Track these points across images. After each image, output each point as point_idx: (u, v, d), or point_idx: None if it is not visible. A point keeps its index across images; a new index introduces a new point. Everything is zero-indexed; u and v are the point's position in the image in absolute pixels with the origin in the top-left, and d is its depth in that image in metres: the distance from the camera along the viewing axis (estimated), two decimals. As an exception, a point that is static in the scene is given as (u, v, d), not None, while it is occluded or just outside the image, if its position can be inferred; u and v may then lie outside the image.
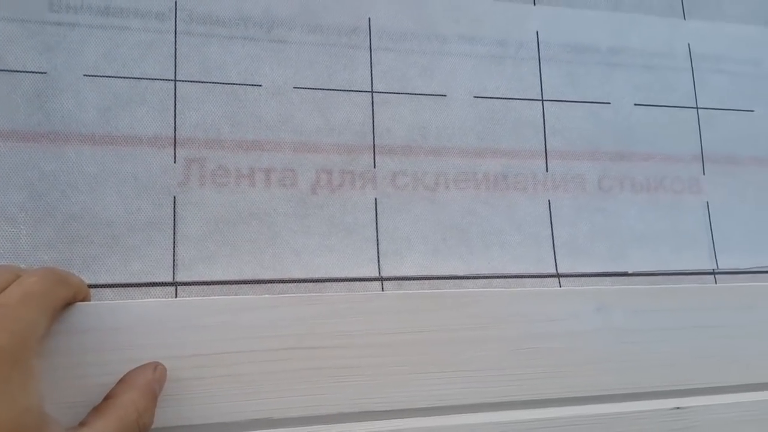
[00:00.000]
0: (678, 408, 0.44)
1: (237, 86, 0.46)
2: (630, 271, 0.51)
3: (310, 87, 0.47)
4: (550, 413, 0.42)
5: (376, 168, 0.48)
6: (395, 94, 0.49)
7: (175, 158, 0.44)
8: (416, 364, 0.41)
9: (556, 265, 0.50)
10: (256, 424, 0.38)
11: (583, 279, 0.50)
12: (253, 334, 0.38)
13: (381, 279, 0.46)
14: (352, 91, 0.48)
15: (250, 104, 0.46)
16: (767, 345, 0.46)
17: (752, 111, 0.57)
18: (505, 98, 0.51)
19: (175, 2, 0.46)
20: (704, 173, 0.54)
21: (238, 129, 0.45)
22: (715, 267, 0.53)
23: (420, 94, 0.49)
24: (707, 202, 0.54)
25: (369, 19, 0.49)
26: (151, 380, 0.35)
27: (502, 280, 0.48)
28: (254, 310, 0.39)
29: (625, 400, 0.44)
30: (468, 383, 0.41)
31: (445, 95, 0.50)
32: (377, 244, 0.46)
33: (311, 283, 0.45)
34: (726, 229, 0.54)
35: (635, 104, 0.54)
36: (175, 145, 0.44)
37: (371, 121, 0.48)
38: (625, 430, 0.43)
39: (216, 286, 0.43)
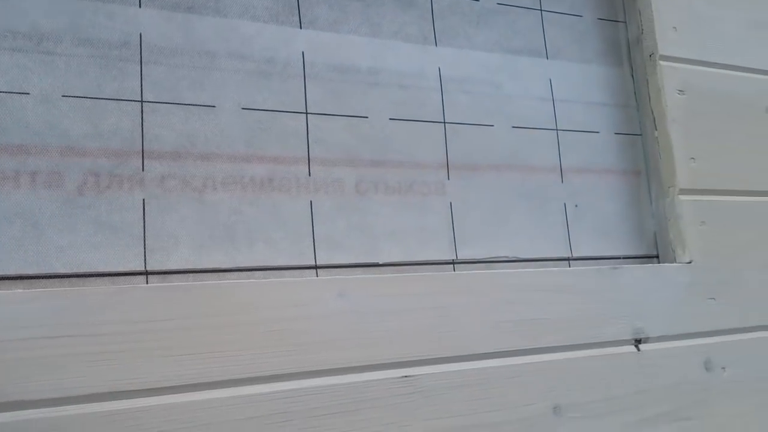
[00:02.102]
0: (406, 377, 0.52)
1: (4, 94, 0.48)
2: (381, 262, 0.59)
3: (79, 95, 0.51)
4: (294, 385, 0.49)
5: (145, 171, 0.52)
6: (165, 104, 0.54)
7: (-68, 161, 0.46)
8: (170, 348, 0.46)
9: (315, 257, 0.57)
10: (5, 406, 0.41)
11: (338, 270, 0.57)
12: (6, 325, 0.42)
13: (146, 273, 0.50)
14: (121, 100, 0.52)
15: (17, 111, 0.49)
16: (479, 322, 0.56)
17: (492, 126, 0.67)
18: (272, 110, 0.58)
19: (-65, 11, 0.47)
20: (449, 178, 0.64)
21: (3, 134, 0.48)
22: (455, 258, 0.62)
23: (189, 105, 0.54)
24: (450, 203, 0.63)
25: (140, 34, 0.54)
26: None
27: (263, 272, 0.54)
28: (7, 303, 0.42)
29: (360, 371, 0.51)
30: (220, 363, 0.47)
31: (214, 106, 0.55)
32: (144, 241, 0.51)
33: (75, 278, 0.48)
34: (466, 226, 0.63)
35: (390, 118, 0.62)
36: (-67, 148, 0.46)
37: (140, 128, 0.52)
38: (361, 397, 0.51)
39: (-24, 282, 0.45)
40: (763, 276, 0.71)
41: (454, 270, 0.62)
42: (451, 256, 0.62)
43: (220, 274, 0.53)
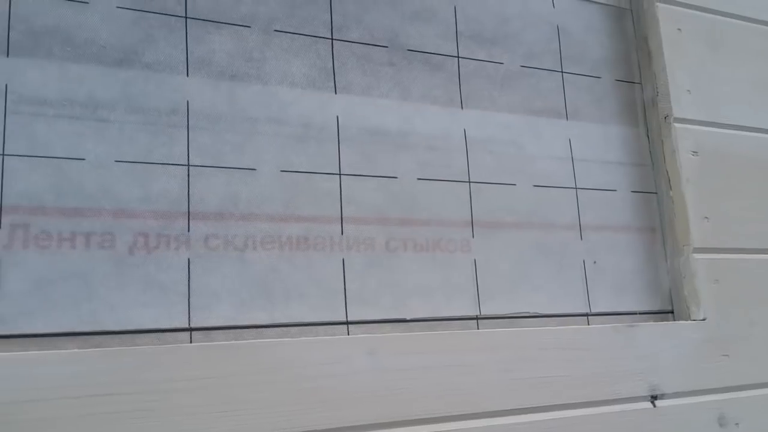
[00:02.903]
0: (433, 432, 0.55)
1: (61, 159, 0.52)
2: (408, 318, 0.62)
3: (131, 161, 0.54)
4: (327, 440, 0.52)
5: (190, 232, 0.55)
6: (209, 168, 0.57)
7: (0, 224, 0.49)
8: (210, 405, 0.48)
9: (346, 313, 0.59)
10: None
11: (368, 325, 0.60)
12: (61, 384, 0.45)
13: (190, 330, 0.53)
14: (169, 164, 0.56)
15: (74, 176, 0.52)
16: (500, 379, 0.58)
17: (514, 185, 0.70)
18: (308, 172, 0.61)
19: (6, 84, 0.51)
20: (473, 236, 0.67)
21: (61, 198, 0.51)
22: (479, 313, 0.65)
23: (232, 168, 0.58)
24: (474, 260, 0.66)
25: (187, 102, 0.57)
26: None
27: (298, 328, 0.57)
28: (61, 364, 0.45)
29: (387, 427, 0.54)
30: (255, 418, 0.50)
31: (255, 169, 0.59)
32: (188, 299, 0.54)
33: (125, 335, 0.51)
34: (489, 282, 0.66)
35: (418, 178, 0.65)
36: (0, 211, 0.49)
37: (186, 191, 0.56)
38: (390, 451, 0.53)
39: (35, 338, 0.49)
40: (775, 334, 0.73)
41: (477, 325, 0.64)
42: (475, 312, 0.65)
43: (259, 330, 0.56)
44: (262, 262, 0.57)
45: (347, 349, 0.54)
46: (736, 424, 0.68)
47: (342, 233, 0.61)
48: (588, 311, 0.70)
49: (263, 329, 0.56)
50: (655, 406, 0.64)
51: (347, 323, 0.59)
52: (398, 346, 0.56)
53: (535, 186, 0.71)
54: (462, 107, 0.70)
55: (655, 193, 0.77)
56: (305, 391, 0.52)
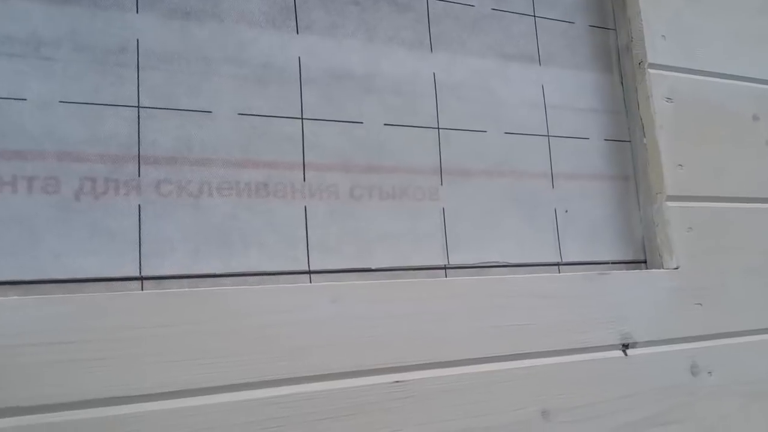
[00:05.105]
0: (398, 381, 0.53)
1: (1, 100, 0.49)
2: (373, 267, 0.59)
3: (77, 101, 0.51)
4: (287, 390, 0.50)
5: (141, 177, 0.52)
6: (161, 110, 0.54)
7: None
8: (164, 354, 0.46)
9: (308, 263, 0.57)
10: (4, 412, 0.41)
11: (331, 275, 0.58)
12: (4, 332, 0.42)
13: (141, 279, 0.51)
14: (118, 106, 0.52)
15: (15, 117, 0.49)
16: (469, 328, 0.57)
17: (484, 132, 0.68)
18: (268, 116, 0.58)
19: (-68, 16, 0.47)
20: (442, 184, 0.64)
21: (0, 140, 0.48)
22: (447, 263, 0.63)
23: (186, 110, 0.55)
24: (443, 208, 0.64)
25: (137, 40, 0.54)
26: None
27: (257, 277, 0.55)
28: (2, 310, 0.42)
29: (352, 377, 0.52)
30: (214, 368, 0.48)
31: (210, 112, 0.56)
32: (139, 247, 0.51)
33: (71, 284, 0.48)
34: (458, 231, 0.64)
35: (385, 124, 0.63)
36: (-70, 153, 0.46)
37: (137, 133, 0.53)
38: (354, 402, 0.51)
39: (-27, 287, 0.46)
40: (749, 281, 0.72)
41: (446, 275, 0.62)
42: (443, 262, 0.63)
43: (215, 279, 0.53)
44: (219, 209, 0.55)
45: (310, 297, 0.52)
46: (709, 372, 0.67)
47: (304, 180, 0.58)
48: (559, 261, 0.68)
49: (220, 278, 0.53)
50: (626, 354, 0.63)
51: (309, 273, 0.57)
52: (363, 294, 0.54)
53: (506, 133, 0.69)
54: (431, 50, 0.67)
55: (629, 141, 0.75)
56: (267, 340, 0.50)
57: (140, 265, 0.51)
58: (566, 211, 0.70)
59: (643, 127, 0.73)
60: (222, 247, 0.54)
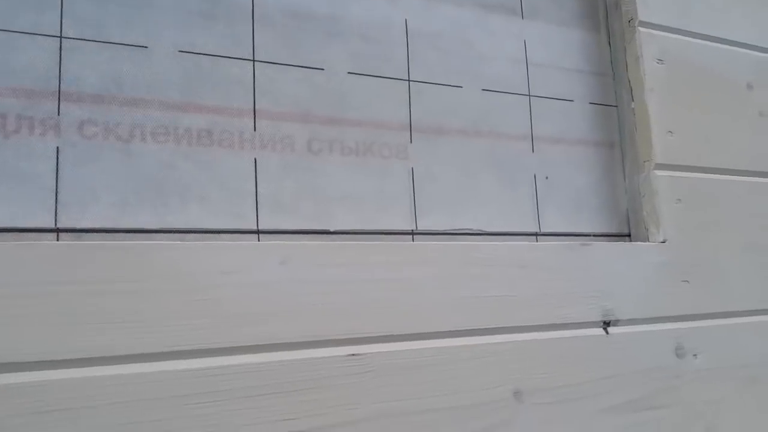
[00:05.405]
0: (354, 355, 0.47)
1: None
2: (332, 230, 0.53)
3: (-16, 24, 0.44)
4: (224, 361, 0.43)
5: (61, 115, 0.45)
6: (88, 41, 0.47)
7: None
8: (79, 315, 0.39)
9: (257, 221, 0.51)
10: None
11: (283, 236, 0.51)
12: None
13: (57, 230, 0.44)
14: (36, 34, 0.45)
15: None
16: (436, 298, 0.51)
17: (460, 87, 0.61)
18: (214, 55, 0.51)
19: None
20: (411, 141, 0.58)
21: None
22: (414, 228, 0.57)
23: (117, 43, 0.48)
24: (412, 168, 0.58)
25: (61, -42, 0.47)
26: None
27: (196, 235, 0.48)
28: None
29: (301, 348, 0.45)
30: (137, 333, 0.41)
31: (146, 47, 0.49)
32: (56, 195, 0.44)
33: (-29, 233, 0.41)
34: (428, 195, 0.58)
35: (349, 72, 0.56)
36: None
37: (57, 66, 0.46)
38: (303, 376, 0.45)
39: None
40: (740, 258, 0.67)
41: (413, 241, 0.56)
42: (411, 227, 0.57)
43: (146, 235, 0.46)
44: (154, 156, 0.48)
45: (256, 257, 0.45)
46: (695, 355, 0.62)
47: (255, 129, 0.52)
48: (537, 231, 0.62)
49: (152, 235, 0.46)
50: (607, 333, 0.58)
51: (258, 232, 0.50)
52: (317, 256, 0.47)
53: (484, 90, 0.62)
54: (402, -6, 0.60)
55: (616, 105, 0.69)
56: (205, 303, 0.43)
57: (56, 215, 0.44)
58: (546, 178, 0.64)
59: (632, 90, 0.67)
60: (155, 199, 0.47)
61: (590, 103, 0.68)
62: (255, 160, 0.51)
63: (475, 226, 0.59)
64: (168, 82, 0.49)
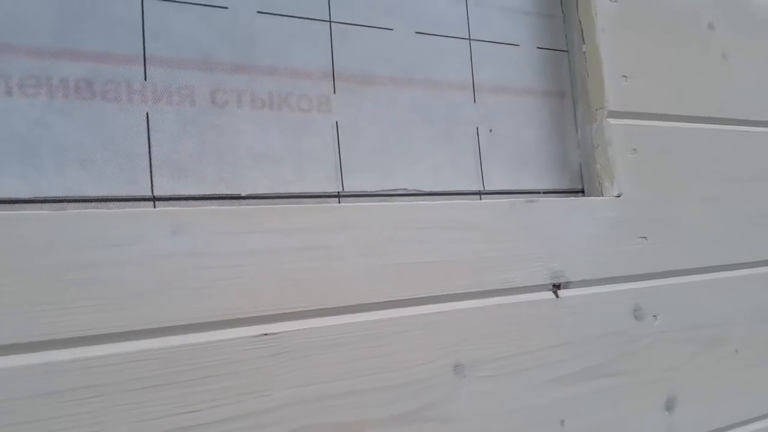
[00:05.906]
0: (265, 334, 0.41)
1: None
2: (243, 194, 0.46)
3: None
4: (106, 350, 0.37)
5: None
6: (-71, -26, 0.39)
7: None
8: None
9: (152, 186, 0.44)
10: None
11: (183, 203, 0.44)
12: None
13: None
14: None
15: None
16: (363, 266, 0.45)
17: (391, 30, 0.55)
18: (93, -7, 0.44)
19: None
20: (335, 92, 0.51)
21: None
22: (341, 190, 0.50)
23: (-32, -23, 0.40)
24: (336, 122, 0.51)
25: None
26: None
27: (76, 204, 0.41)
28: None
29: (200, 329, 0.39)
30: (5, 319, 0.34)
31: (6, -19, 0.41)
32: None
33: None
34: (355, 152, 0.51)
35: (258, 12, 0.49)
36: None
37: None
38: (203, 362, 0.39)
39: None
40: (701, 213, 0.62)
41: (339, 203, 0.50)
42: (337, 188, 0.50)
43: (15, 205, 0.39)
44: (22, 112, 0.40)
45: (144, 227, 0.39)
46: (654, 316, 0.57)
47: (145, 78, 0.44)
48: (481, 189, 0.57)
49: (21, 204, 0.39)
50: (557, 296, 0.52)
51: (153, 199, 0.43)
52: (216, 223, 0.41)
53: (417, 33, 0.56)
54: (320, -76, 0.53)
55: (566, 50, 0.63)
56: (83, 283, 0.37)
57: None
58: (490, 131, 0.58)
59: (582, 32, 0.61)
60: (26, 163, 0.40)
61: (538, 47, 0.62)
62: (147, 115, 0.44)
63: (409, 186, 0.53)
64: (38, 22, 0.42)
